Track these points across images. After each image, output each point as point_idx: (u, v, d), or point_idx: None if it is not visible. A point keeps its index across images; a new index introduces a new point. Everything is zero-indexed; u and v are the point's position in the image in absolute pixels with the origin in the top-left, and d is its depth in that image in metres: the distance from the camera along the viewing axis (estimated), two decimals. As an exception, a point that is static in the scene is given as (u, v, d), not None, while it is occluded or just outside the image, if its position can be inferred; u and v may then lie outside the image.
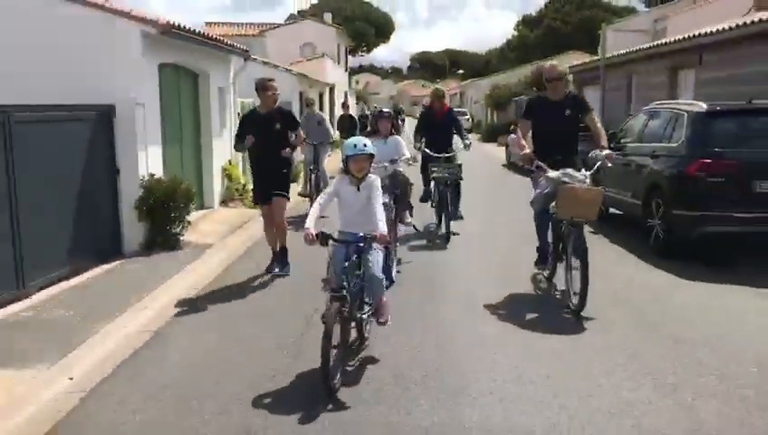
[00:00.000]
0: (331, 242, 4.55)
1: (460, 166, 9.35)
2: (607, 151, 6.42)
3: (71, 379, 4.62)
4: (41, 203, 6.81)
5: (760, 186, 7.48)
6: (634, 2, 64.05)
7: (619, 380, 4.48)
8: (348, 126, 16.99)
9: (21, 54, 8.15)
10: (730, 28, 11.67)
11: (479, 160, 20.31)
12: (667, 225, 8.04)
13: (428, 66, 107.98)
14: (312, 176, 11.88)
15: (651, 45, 16.63)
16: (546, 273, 6.87)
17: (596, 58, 21.45)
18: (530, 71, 37.28)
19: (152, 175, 8.70)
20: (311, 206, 4.61)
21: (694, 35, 13.43)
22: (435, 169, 9.07)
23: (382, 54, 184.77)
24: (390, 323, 4.94)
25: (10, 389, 4.41)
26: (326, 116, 14.06)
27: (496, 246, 8.78)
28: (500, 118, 38.43)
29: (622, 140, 9.65)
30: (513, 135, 21.07)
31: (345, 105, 18.38)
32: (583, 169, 6.32)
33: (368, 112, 35.11)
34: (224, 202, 12.35)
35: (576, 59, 29.84)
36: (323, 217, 4.67)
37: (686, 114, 8.31)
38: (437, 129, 9.50)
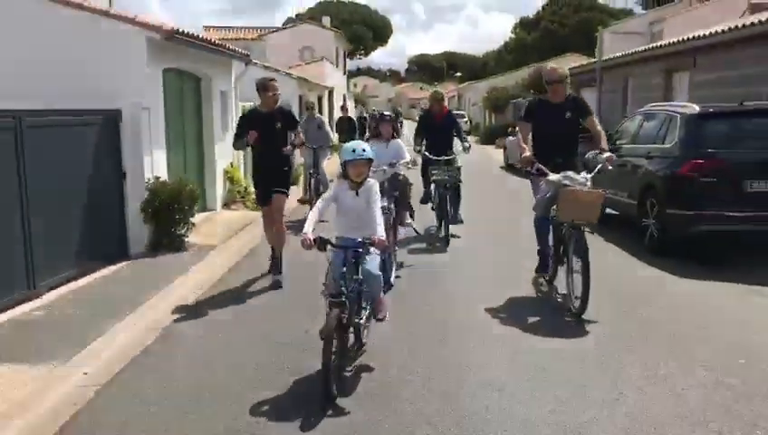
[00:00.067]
0: (329, 247, 4.53)
1: (459, 169, 9.38)
2: (607, 154, 6.40)
3: (85, 373, 4.80)
4: (50, 205, 6.98)
5: (751, 185, 7.68)
6: (631, 4, 64.26)
7: (613, 371, 4.66)
8: (347, 128, 17.20)
9: (29, 60, 8.33)
10: (723, 31, 11.88)
11: (478, 163, 20.48)
12: (661, 224, 8.24)
13: (426, 69, 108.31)
14: (312, 180, 11.92)
15: (647, 48, 16.85)
16: (547, 276, 6.84)
17: (593, 60, 21.66)
18: (527, 73, 37.57)
19: (157, 178, 8.88)
20: (310, 210, 4.61)
21: (688, 38, 13.65)
22: (435, 171, 9.10)
23: (380, 57, 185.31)
24: (388, 319, 5.04)
25: (27, 383, 4.59)
26: (326, 119, 14.19)
27: (497, 249, 8.81)
28: (498, 120, 38.64)
29: (618, 142, 9.84)
30: (511, 137, 21.30)
31: (344, 108, 18.59)
32: (584, 172, 6.31)
33: (366, 115, 35.40)
34: (226, 205, 12.53)
35: (573, 61, 30.06)
36: (322, 221, 4.69)
37: (679, 116, 8.51)
38: (437, 131, 9.47)
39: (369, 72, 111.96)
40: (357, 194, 4.76)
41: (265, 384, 4.52)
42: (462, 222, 9.63)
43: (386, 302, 5.05)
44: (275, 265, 7.34)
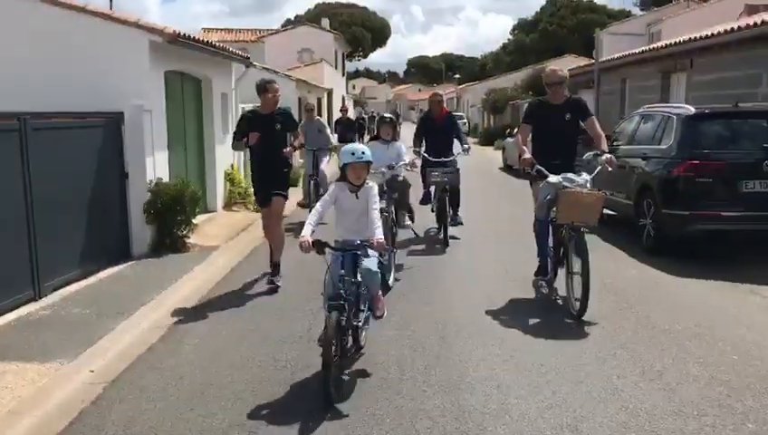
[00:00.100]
0: (327, 250, 4.52)
1: (458, 170, 9.36)
2: (607, 156, 6.37)
3: (92, 371, 4.89)
4: (54, 207, 7.06)
5: (746, 185, 7.80)
6: (629, 5, 64.43)
7: (609, 367, 4.77)
8: (346, 128, 17.30)
9: (33, 63, 8.44)
10: (719, 33, 11.99)
11: (477, 164, 20.58)
12: (657, 224, 8.35)
13: (425, 70, 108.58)
14: (311, 182, 11.88)
15: (644, 50, 16.97)
16: (546, 280, 6.82)
17: (591, 62, 21.78)
18: (526, 74, 37.72)
19: (160, 179, 8.97)
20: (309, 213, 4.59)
21: (684, 40, 13.77)
22: (434, 173, 9.07)
23: (379, 59, 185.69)
24: (386, 315, 5.10)
25: (36, 381, 4.68)
26: (326, 122, 14.24)
27: (496, 251, 8.83)
28: (497, 122, 38.77)
29: (615, 143, 9.95)
30: (509, 138, 21.41)
31: (344, 109, 18.72)
32: (584, 174, 6.31)
33: (365, 116, 35.55)
34: (226, 206, 12.63)
35: (572, 62, 30.20)
36: (322, 223, 4.70)
37: (675, 117, 8.63)
38: (437, 133, 9.44)
39: (367, 73, 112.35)
40: (357, 196, 4.77)
41: (269, 381, 4.62)
42: (462, 223, 9.64)
43: (383, 300, 5.09)
44: (274, 268, 7.32)
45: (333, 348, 4.11)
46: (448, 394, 4.33)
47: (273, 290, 7.01)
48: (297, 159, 12.72)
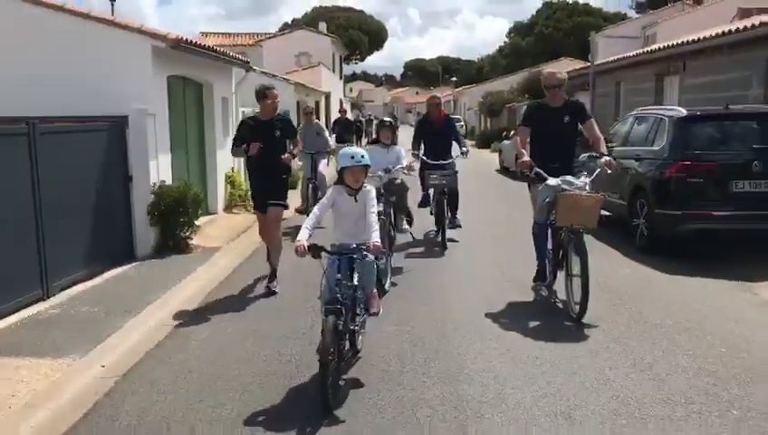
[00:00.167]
0: (323, 254, 4.51)
1: (456, 173, 9.38)
2: (607, 158, 6.35)
3: (103, 366, 5.06)
4: (61, 208, 7.22)
5: (736, 185, 8.00)
6: (625, 8, 64.77)
7: (602, 359, 4.96)
8: (344, 129, 17.49)
9: (40, 68, 8.63)
10: (710, 37, 12.22)
11: (474, 166, 20.73)
12: (650, 223, 8.56)
13: (422, 73, 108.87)
14: (310, 186, 11.91)
15: (638, 53, 17.20)
16: (545, 285, 6.77)
17: (587, 65, 22.01)
18: (522, 77, 37.97)
19: (163, 181, 9.15)
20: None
21: (677, 43, 13.99)
22: (432, 176, 9.09)
23: (376, 62, 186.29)
24: (385, 313, 5.25)
25: (49, 375, 4.85)
26: (324, 125, 14.36)
27: (493, 253, 8.91)
28: (493, 124, 39.00)
29: (609, 145, 10.10)
30: (506, 141, 21.62)
31: (343, 111, 18.95)
32: (583, 176, 6.31)
33: (362, 119, 35.76)
34: (227, 208, 12.81)
35: (568, 65, 30.44)
36: (320, 227, 4.74)
37: (667, 119, 8.84)
38: (435, 136, 9.44)
39: (364, 76, 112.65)
40: (355, 200, 4.77)
41: (275, 374, 4.80)
42: (460, 226, 9.68)
43: (378, 298, 5.11)
44: (271, 273, 7.34)
45: (330, 352, 4.09)
46: (447, 385, 4.52)
47: (271, 294, 7.10)
48: (296, 163, 12.85)
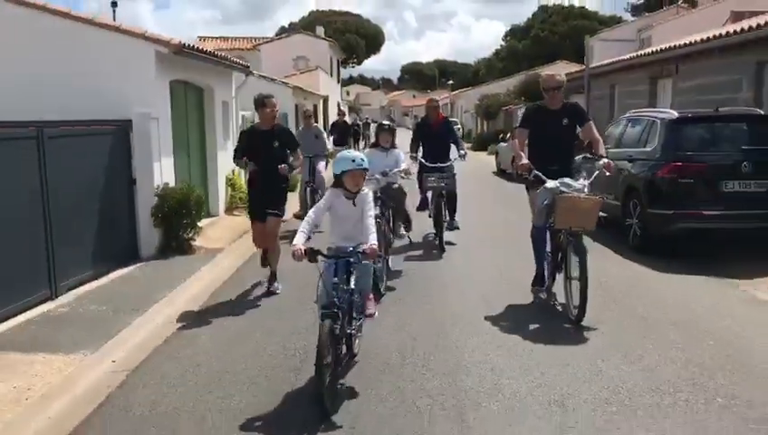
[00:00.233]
0: (320, 258, 4.49)
1: (455, 176, 9.40)
2: (605, 160, 6.31)
3: (113, 361, 5.26)
4: (68, 210, 7.41)
5: (726, 185, 8.22)
6: (620, 11, 65.13)
7: (594, 352, 5.17)
8: (342, 132, 17.63)
9: (47, 74, 8.83)
10: (702, 41, 12.44)
11: (471, 169, 20.89)
12: (643, 223, 8.78)
13: (418, 77, 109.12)
14: (308, 189, 11.87)
15: (632, 56, 17.43)
16: (543, 289, 6.76)
17: (582, 68, 22.23)
18: (518, 80, 38.22)
19: (166, 184, 9.34)
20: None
21: (670, 47, 14.22)
22: (430, 178, 9.12)
23: (373, 65, 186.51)
24: (385, 312, 5.44)
25: (63, 369, 5.04)
26: (323, 129, 14.49)
27: (491, 255, 8.98)
28: (490, 127, 39.23)
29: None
30: (502, 143, 21.84)
31: (341, 113, 19.11)
32: (581, 179, 6.32)
33: (359, 122, 35.97)
34: (228, 210, 12.99)
35: (564, 68, 30.64)
36: (319, 231, 4.83)
37: (659, 121, 9.06)
38: (434, 139, 9.46)
39: (361, 80, 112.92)
40: (354, 204, 4.75)
41: (280, 367, 5.00)
42: (458, 228, 9.76)
43: (374, 301, 5.19)
44: (271, 276, 7.43)
45: (327, 357, 4.09)
46: (446, 377, 4.72)
47: (273, 294, 7.25)
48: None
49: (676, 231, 8.45)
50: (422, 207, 9.84)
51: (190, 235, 9.44)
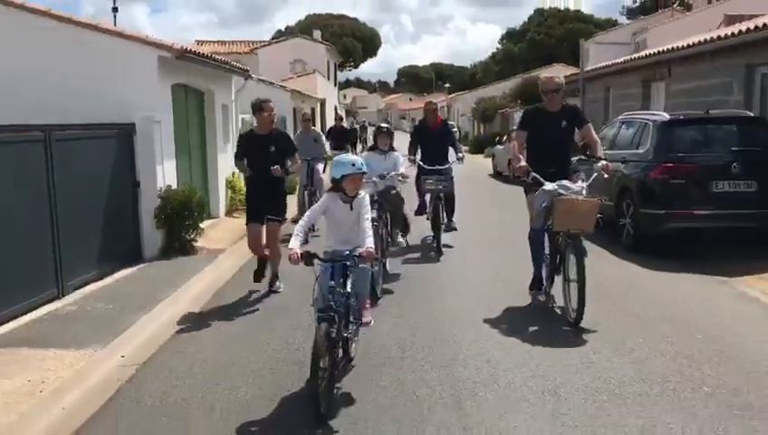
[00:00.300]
0: (316, 261, 4.48)
1: (452, 178, 9.44)
2: (603, 162, 6.31)
3: (122, 356, 5.43)
4: (74, 211, 7.57)
5: (716, 186, 8.44)
6: (616, 14, 65.56)
7: (587, 345, 5.38)
8: (340, 136, 17.78)
9: (52, 78, 9.01)
10: (694, 44, 12.67)
11: (468, 171, 21.05)
12: (636, 223, 8.99)
13: (415, 80, 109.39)
14: (306, 192, 11.85)
15: (626, 60, 17.67)
16: (541, 292, 6.77)
17: (577, 71, 22.47)
18: (514, 83, 38.49)
19: (169, 186, 9.52)
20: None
21: (663, 50, 14.45)
22: (428, 181, 9.16)
23: (369, 69, 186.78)
24: (385, 311, 5.62)
25: (74, 364, 5.21)
26: (321, 133, 14.57)
27: (488, 257, 9.05)
28: (486, 130, 39.48)
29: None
30: (499, 146, 22.06)
31: (338, 117, 19.25)
32: (580, 181, 6.35)
33: (356, 126, 36.18)
34: (228, 212, 13.17)
35: (560, 71, 30.83)
36: (316, 235, 4.99)
37: (651, 124, 9.28)
38: (432, 141, 9.48)
39: (358, 83, 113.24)
40: (351, 208, 4.75)
41: (284, 361, 5.19)
42: (456, 229, 9.86)
43: (370, 308, 5.23)
44: (272, 276, 7.50)
45: (323, 360, 4.09)
46: (444, 368, 4.91)
47: (275, 292, 7.39)
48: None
49: (667, 231, 8.67)
50: (420, 211, 9.88)
51: (192, 236, 9.61)
